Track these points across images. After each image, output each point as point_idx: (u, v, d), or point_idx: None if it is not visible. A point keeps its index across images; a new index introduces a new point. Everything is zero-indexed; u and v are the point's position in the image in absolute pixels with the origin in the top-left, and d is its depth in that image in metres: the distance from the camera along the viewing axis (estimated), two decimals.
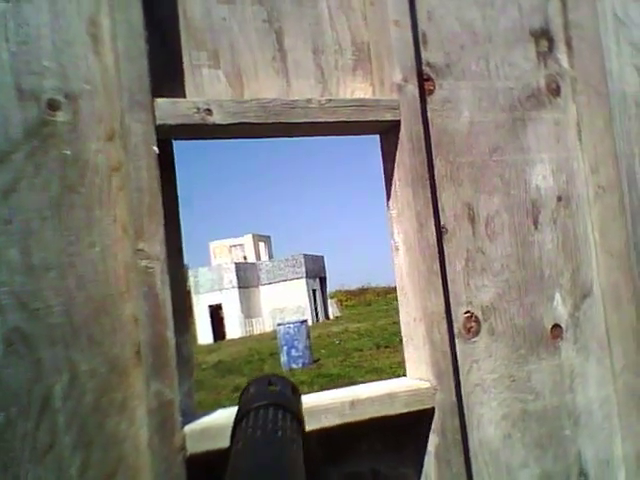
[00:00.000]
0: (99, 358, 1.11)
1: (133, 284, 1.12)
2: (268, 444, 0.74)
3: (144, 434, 1.11)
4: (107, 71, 1.15)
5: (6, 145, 1.08)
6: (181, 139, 1.23)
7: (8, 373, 1.05)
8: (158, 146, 1.12)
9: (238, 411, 0.82)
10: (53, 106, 1.11)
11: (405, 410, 1.25)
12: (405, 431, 1.30)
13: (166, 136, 1.17)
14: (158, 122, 1.12)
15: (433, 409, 1.26)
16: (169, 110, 1.14)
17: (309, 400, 1.21)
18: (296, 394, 0.87)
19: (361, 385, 1.36)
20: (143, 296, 1.09)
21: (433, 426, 1.26)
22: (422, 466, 1.30)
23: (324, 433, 1.19)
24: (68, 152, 1.12)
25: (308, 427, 1.16)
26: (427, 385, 1.27)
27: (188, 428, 1.10)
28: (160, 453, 1.06)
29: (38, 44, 1.12)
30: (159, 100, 1.13)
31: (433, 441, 1.27)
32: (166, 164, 1.18)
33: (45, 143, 1.10)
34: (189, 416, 1.15)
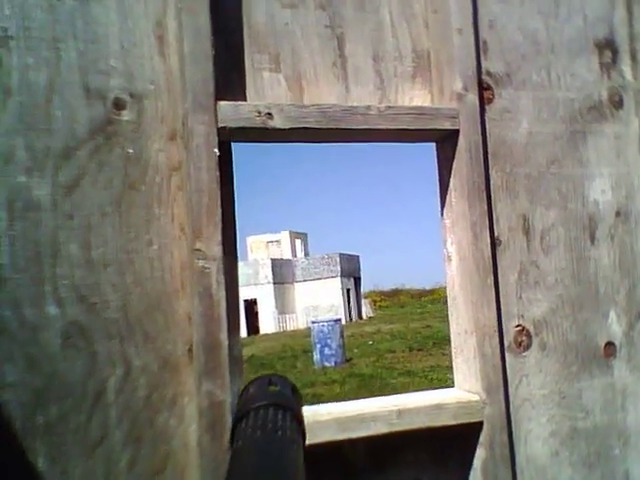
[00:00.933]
0: (152, 354, 1.13)
1: (188, 283, 1.14)
2: (268, 444, 0.74)
3: (193, 432, 1.12)
4: (172, 72, 1.16)
5: (72, 142, 1.10)
6: (241, 141, 1.24)
7: (65, 366, 1.07)
8: (218, 148, 1.13)
9: (238, 411, 0.82)
10: (119, 105, 1.13)
11: (453, 422, 1.23)
12: (451, 443, 1.29)
13: (227, 138, 1.18)
14: (220, 124, 1.13)
15: (481, 423, 1.25)
16: (231, 113, 1.14)
17: (357, 407, 1.21)
18: (296, 394, 0.87)
19: (408, 394, 1.35)
20: (198, 296, 1.10)
21: (481, 440, 1.25)
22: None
23: (370, 441, 1.19)
24: (131, 150, 1.13)
25: (357, 434, 1.16)
26: (476, 398, 1.26)
27: None
28: (210, 452, 1.07)
29: (106, 43, 1.14)
30: (221, 103, 1.14)
31: (480, 455, 1.25)
32: (225, 166, 1.19)
33: (109, 141, 1.12)
34: None
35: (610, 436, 1.43)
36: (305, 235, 52.17)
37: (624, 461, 1.44)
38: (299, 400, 0.87)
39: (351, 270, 45.61)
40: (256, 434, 0.75)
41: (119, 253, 1.12)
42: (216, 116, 1.13)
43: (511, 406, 1.34)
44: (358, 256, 48.57)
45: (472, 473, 1.27)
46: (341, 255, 44.01)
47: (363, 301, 47.82)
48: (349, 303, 43.57)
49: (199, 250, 1.10)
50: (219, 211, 1.12)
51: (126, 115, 1.14)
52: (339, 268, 43.12)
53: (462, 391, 1.33)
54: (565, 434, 1.39)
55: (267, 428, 0.76)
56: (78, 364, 1.08)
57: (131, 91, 1.14)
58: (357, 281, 46.85)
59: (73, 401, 1.07)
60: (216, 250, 1.11)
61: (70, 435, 1.06)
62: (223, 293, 1.11)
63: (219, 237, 1.11)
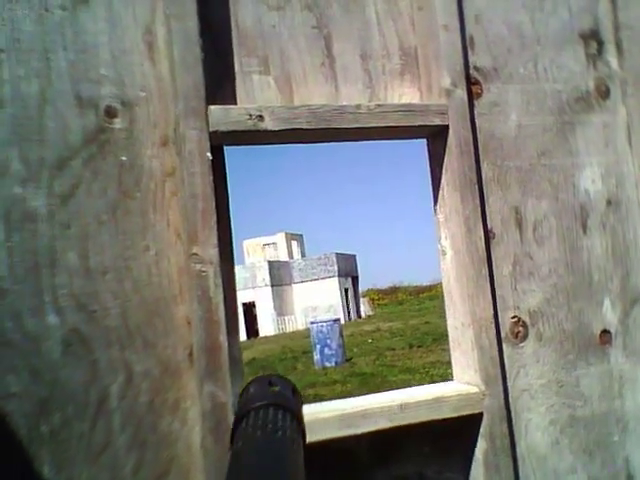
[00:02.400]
0: (153, 359, 1.14)
1: (186, 287, 1.14)
2: (268, 444, 0.74)
3: (196, 435, 1.13)
4: (162, 78, 1.17)
5: (65, 152, 1.11)
6: (233, 145, 1.25)
7: (66, 373, 1.08)
8: (211, 152, 1.14)
9: (238, 411, 0.83)
10: (110, 113, 1.14)
11: (454, 415, 1.25)
12: (453, 436, 1.30)
13: (219, 142, 1.19)
14: (211, 129, 1.14)
15: (481, 414, 1.26)
16: (222, 117, 1.15)
17: (359, 403, 1.22)
18: (296, 394, 0.87)
19: (408, 389, 1.36)
20: (197, 300, 1.11)
21: (482, 431, 1.26)
22: (469, 471, 1.30)
23: (373, 436, 1.20)
24: (124, 158, 1.14)
25: (361, 430, 1.17)
26: (476, 390, 1.27)
27: None
28: (213, 454, 1.08)
29: (96, 52, 1.15)
30: (212, 107, 1.15)
31: (481, 446, 1.27)
32: (218, 169, 1.20)
33: (103, 149, 1.13)
34: None
35: (609, 423, 1.44)
36: (301, 236, 52.16)
37: (623, 447, 1.45)
38: (299, 400, 0.88)
39: (348, 269, 45.63)
40: (256, 434, 0.75)
41: (117, 260, 1.13)
42: (207, 121, 1.14)
43: (510, 397, 1.35)
44: (355, 255, 48.62)
45: (474, 464, 1.28)
46: (338, 255, 44.01)
47: (361, 300, 47.85)
48: (347, 302, 43.58)
49: (196, 254, 1.11)
50: (214, 215, 1.13)
51: (118, 123, 1.15)
52: (336, 268, 43.12)
53: (461, 384, 1.34)
54: (564, 422, 1.40)
55: (267, 428, 0.76)
56: (79, 372, 1.08)
57: (122, 99, 1.15)
58: (355, 280, 46.86)
59: (76, 408, 1.07)
60: (212, 253, 1.12)
61: (74, 442, 1.07)
62: (221, 296, 1.12)
63: (215, 240, 1.12)
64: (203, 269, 1.11)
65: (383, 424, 1.19)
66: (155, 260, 1.15)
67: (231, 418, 1.10)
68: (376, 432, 1.19)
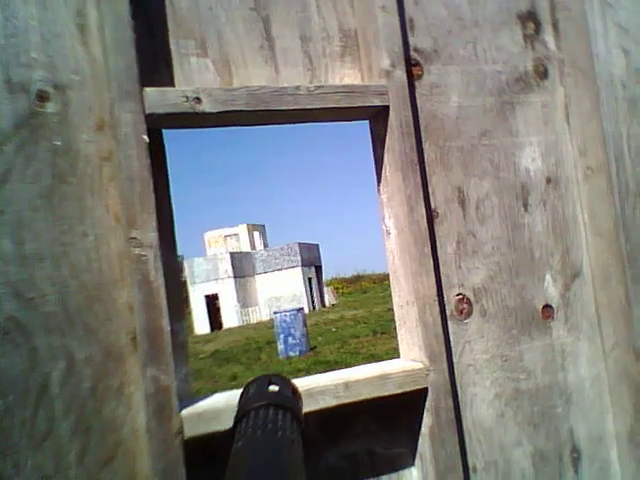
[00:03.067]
0: (95, 345, 1.13)
1: (127, 272, 1.14)
2: (268, 444, 0.75)
3: (141, 419, 1.13)
4: (95, 61, 1.16)
5: None
6: (171, 128, 1.24)
7: (4, 362, 1.06)
8: (148, 135, 1.13)
9: (238, 411, 0.83)
10: (42, 97, 1.12)
11: (398, 391, 1.26)
12: (399, 412, 1.33)
13: (156, 125, 1.18)
14: (147, 111, 1.13)
15: (426, 389, 1.28)
16: (158, 99, 1.14)
17: (305, 383, 1.23)
18: (296, 394, 0.88)
19: (355, 367, 1.38)
20: (137, 284, 1.10)
21: (427, 406, 1.28)
22: (417, 446, 1.32)
23: (321, 415, 1.21)
24: (58, 143, 1.12)
25: (306, 409, 1.18)
26: (420, 366, 1.29)
27: (185, 412, 1.12)
28: (158, 437, 1.08)
29: (26, 36, 1.12)
30: (148, 89, 1.14)
31: (427, 421, 1.29)
32: (157, 153, 1.19)
33: (35, 134, 1.11)
34: (186, 401, 1.17)
35: (552, 395, 1.48)
36: (263, 227, 51.98)
37: (567, 419, 1.49)
38: (299, 400, 0.88)
39: (311, 259, 45.67)
40: (256, 434, 0.75)
41: (53, 246, 1.11)
42: (143, 103, 1.13)
43: (455, 372, 1.38)
44: (317, 245, 48.61)
45: (420, 439, 1.31)
46: (300, 245, 44.01)
47: (325, 289, 47.94)
48: (311, 292, 43.63)
49: (135, 238, 1.11)
50: (152, 198, 1.12)
51: (51, 107, 1.13)
52: (299, 258, 43.10)
53: (407, 361, 1.36)
54: (509, 396, 1.43)
55: (267, 428, 0.76)
56: (18, 359, 1.07)
57: (54, 82, 1.13)
58: (318, 269, 46.93)
59: (17, 396, 1.06)
60: (152, 237, 1.11)
61: (17, 429, 1.06)
62: (162, 280, 1.12)
63: (154, 224, 1.12)
64: (143, 253, 1.11)
65: (328, 402, 1.20)
66: (94, 245, 1.14)
67: (175, 401, 1.10)
68: (322, 410, 1.20)
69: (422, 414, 1.30)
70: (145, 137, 1.11)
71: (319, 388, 1.21)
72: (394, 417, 1.34)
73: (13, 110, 1.10)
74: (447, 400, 1.29)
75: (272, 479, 0.69)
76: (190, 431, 1.10)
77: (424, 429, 1.30)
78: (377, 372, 1.27)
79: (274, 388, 0.86)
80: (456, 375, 1.38)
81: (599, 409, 1.53)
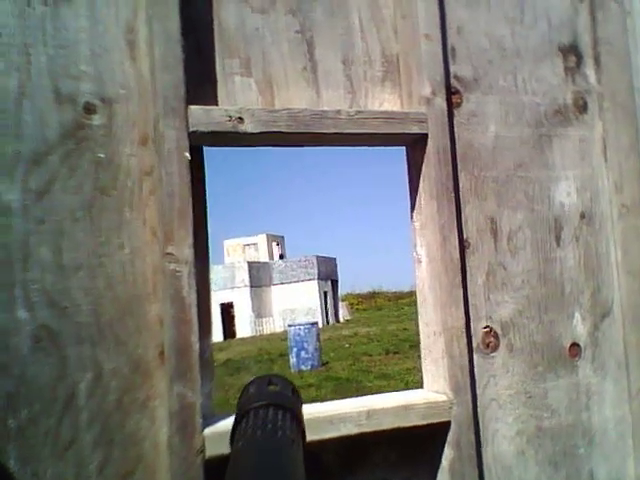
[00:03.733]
0: (123, 358, 1.13)
1: (160, 287, 1.14)
2: (268, 444, 0.74)
3: (164, 434, 1.13)
4: (142, 77, 1.17)
5: (42, 147, 1.10)
6: (212, 146, 1.25)
7: (34, 370, 1.07)
8: (190, 152, 1.14)
9: (238, 411, 0.83)
10: (89, 109, 1.14)
11: (421, 422, 1.25)
12: (420, 444, 1.31)
13: (198, 142, 1.19)
14: (191, 129, 1.14)
15: (449, 423, 1.27)
16: (202, 117, 1.15)
17: (326, 409, 1.23)
18: (296, 394, 0.88)
19: (377, 395, 1.37)
20: (169, 299, 1.11)
21: (449, 439, 1.27)
22: (436, 479, 1.31)
23: (340, 442, 1.20)
24: (102, 155, 1.14)
25: (326, 435, 1.18)
26: (444, 398, 1.28)
27: (208, 431, 1.11)
28: (179, 454, 1.08)
29: (76, 48, 1.14)
30: (192, 107, 1.15)
31: (448, 455, 1.27)
32: (196, 169, 1.20)
33: (80, 146, 1.13)
34: (209, 418, 1.17)
35: (575, 435, 1.46)
36: (282, 238, 52.09)
37: (589, 460, 1.47)
38: (299, 400, 0.88)
39: (328, 273, 45.62)
40: (256, 434, 0.75)
41: (90, 257, 1.12)
42: (187, 121, 1.14)
43: (478, 406, 1.36)
44: (335, 258, 48.59)
45: (440, 472, 1.29)
46: (318, 257, 44.00)
47: (340, 304, 47.82)
48: (326, 306, 43.54)
49: (171, 254, 1.11)
50: (190, 215, 1.13)
51: (97, 119, 1.14)
52: (316, 271, 43.08)
53: (430, 392, 1.35)
54: (531, 433, 1.42)
55: (267, 428, 0.76)
56: (48, 368, 1.08)
57: (102, 96, 1.15)
58: (334, 284, 46.85)
59: (43, 404, 1.07)
60: (187, 253, 1.12)
61: (41, 438, 1.06)
62: (194, 296, 1.12)
63: (190, 240, 1.12)
64: (177, 269, 1.11)
65: (349, 430, 1.20)
66: (130, 258, 1.15)
67: (199, 419, 1.10)
68: (343, 438, 1.20)
69: (443, 447, 1.28)
70: (187, 154, 1.12)
71: (340, 415, 1.20)
72: (414, 448, 1.32)
73: (60, 121, 1.12)
74: (469, 434, 1.28)
75: (272, 479, 0.69)
76: (211, 450, 1.10)
77: (444, 462, 1.28)
78: (400, 402, 1.27)
79: (274, 388, 0.86)
80: (479, 409, 1.37)
81: (621, 452, 1.51)
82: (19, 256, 1.08)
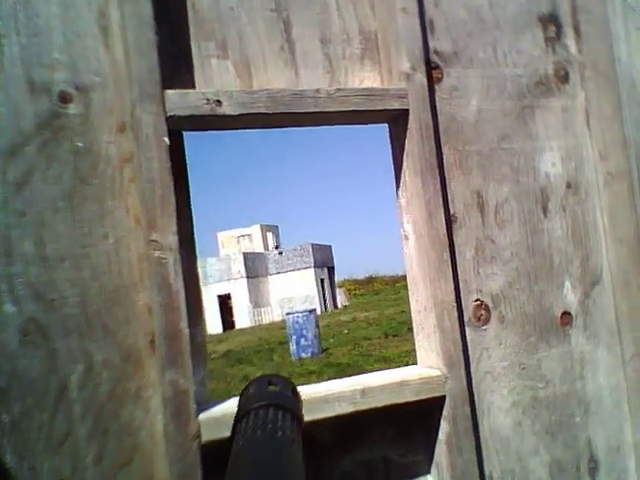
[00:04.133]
0: (113, 348, 1.12)
1: (146, 275, 1.13)
2: (268, 444, 0.75)
3: (159, 423, 1.13)
4: (117, 63, 1.16)
5: (18, 138, 1.09)
6: (191, 130, 1.24)
7: (24, 363, 1.06)
8: (169, 137, 1.13)
9: (238, 411, 0.83)
10: (64, 98, 1.12)
11: (416, 398, 1.25)
12: (416, 419, 1.31)
13: (176, 127, 1.18)
14: (168, 113, 1.13)
15: (444, 397, 1.27)
16: (179, 101, 1.14)
17: (322, 389, 1.22)
18: (296, 394, 0.88)
19: (372, 373, 1.37)
20: (157, 287, 1.10)
21: (444, 413, 1.27)
22: (433, 454, 1.31)
23: (337, 421, 1.20)
24: (80, 144, 1.13)
25: (322, 415, 1.18)
26: (438, 373, 1.28)
27: (203, 416, 1.11)
28: (175, 441, 1.08)
29: (49, 36, 1.12)
30: (169, 92, 1.14)
31: (444, 429, 1.28)
32: (177, 155, 1.18)
33: (57, 135, 1.11)
34: (203, 405, 1.16)
35: (571, 404, 1.46)
36: (276, 227, 52.07)
37: (585, 428, 1.47)
38: (299, 400, 0.88)
39: (324, 260, 45.66)
40: (256, 434, 0.76)
41: (74, 248, 1.11)
42: (164, 105, 1.13)
43: (473, 379, 1.37)
44: (330, 246, 48.61)
45: (437, 446, 1.30)
46: (313, 245, 44.01)
47: (337, 290, 47.92)
48: (324, 293, 43.62)
49: (155, 241, 1.10)
50: (173, 201, 1.12)
51: (73, 108, 1.13)
52: (312, 259, 43.12)
53: (424, 367, 1.35)
54: (527, 404, 1.42)
55: (267, 428, 0.76)
56: (38, 361, 1.07)
57: (77, 84, 1.13)
58: (331, 271, 46.91)
59: (36, 398, 1.06)
60: (172, 240, 1.11)
61: (35, 432, 1.06)
62: (181, 283, 1.12)
63: (174, 227, 1.11)
64: (163, 256, 1.10)
65: (345, 409, 1.20)
66: (114, 247, 1.14)
67: (193, 405, 1.10)
68: (339, 417, 1.20)
69: (439, 422, 1.29)
70: (166, 139, 1.11)
71: (336, 394, 1.20)
72: (410, 424, 1.33)
73: (35, 111, 1.10)
74: (465, 408, 1.28)
75: (272, 479, 0.69)
76: (207, 435, 1.10)
77: (441, 437, 1.29)
78: (394, 379, 1.27)
79: (274, 388, 0.86)
80: (473, 382, 1.37)
81: (617, 419, 1.51)
82: (1, 250, 1.06)
